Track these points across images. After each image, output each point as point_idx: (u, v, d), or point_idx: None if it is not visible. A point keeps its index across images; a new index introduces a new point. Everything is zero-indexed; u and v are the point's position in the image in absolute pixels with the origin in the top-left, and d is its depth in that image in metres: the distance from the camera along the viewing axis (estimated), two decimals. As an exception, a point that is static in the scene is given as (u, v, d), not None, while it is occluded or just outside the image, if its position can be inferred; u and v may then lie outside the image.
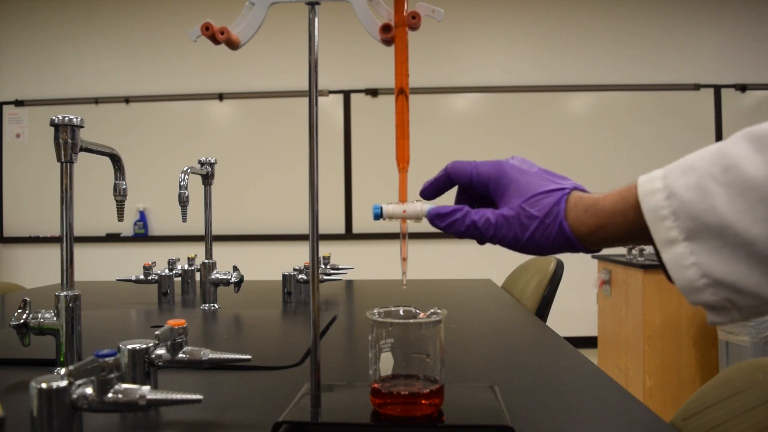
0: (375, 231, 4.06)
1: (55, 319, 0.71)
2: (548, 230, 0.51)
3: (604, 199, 0.50)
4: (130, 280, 1.39)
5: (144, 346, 0.59)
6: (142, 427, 0.56)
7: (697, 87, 4.09)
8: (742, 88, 4.09)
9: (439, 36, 4.04)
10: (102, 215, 4.06)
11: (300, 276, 1.32)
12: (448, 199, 0.59)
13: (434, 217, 0.54)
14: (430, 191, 0.58)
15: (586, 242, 0.51)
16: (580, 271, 3.15)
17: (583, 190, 0.53)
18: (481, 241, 0.54)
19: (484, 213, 0.53)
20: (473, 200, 0.58)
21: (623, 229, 0.49)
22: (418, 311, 0.56)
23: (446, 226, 0.54)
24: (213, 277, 1.23)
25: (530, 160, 0.56)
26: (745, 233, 0.42)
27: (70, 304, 0.71)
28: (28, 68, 4.30)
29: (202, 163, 1.25)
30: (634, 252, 2.69)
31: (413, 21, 0.57)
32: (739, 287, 0.43)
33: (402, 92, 0.57)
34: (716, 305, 0.45)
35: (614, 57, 4.13)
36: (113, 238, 4.17)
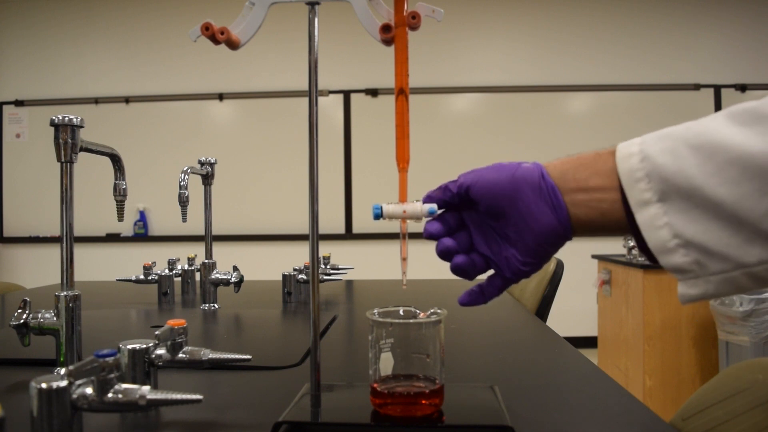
0: (375, 231, 4.06)
1: (55, 319, 0.71)
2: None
3: (581, 156, 0.51)
4: (130, 280, 1.39)
5: (144, 346, 0.59)
6: (142, 427, 0.56)
7: (697, 87, 4.09)
8: (742, 88, 4.09)
9: (439, 36, 4.04)
10: (102, 215, 4.06)
11: (300, 276, 1.32)
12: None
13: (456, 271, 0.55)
14: (440, 205, 0.55)
15: (569, 197, 0.51)
16: (580, 271, 3.14)
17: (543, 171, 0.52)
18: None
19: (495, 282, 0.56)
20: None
21: (599, 181, 0.49)
22: (418, 311, 0.56)
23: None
24: (213, 277, 1.23)
25: (528, 159, 0.54)
26: (713, 194, 0.43)
27: (70, 304, 0.71)
28: (28, 68, 4.30)
29: (202, 163, 1.25)
30: (634, 252, 2.69)
31: (413, 21, 0.57)
32: (709, 248, 0.44)
33: (402, 92, 0.57)
34: (686, 268, 0.46)
35: (614, 57, 4.13)
36: (113, 238, 4.17)
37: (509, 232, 0.52)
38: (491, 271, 0.55)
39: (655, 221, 0.46)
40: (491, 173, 0.52)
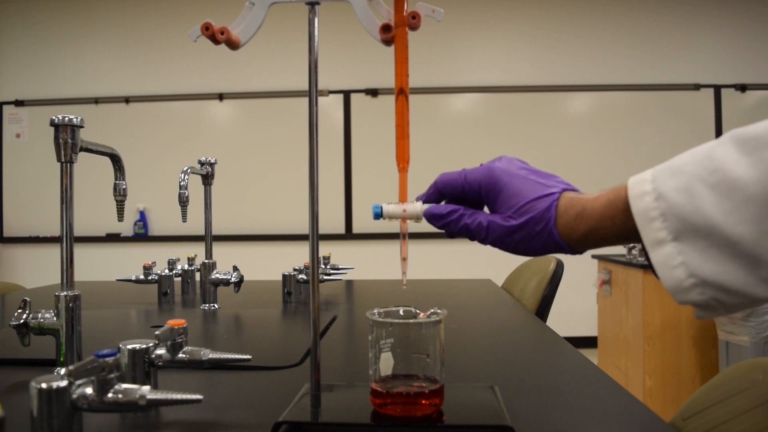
0: (375, 231, 4.06)
1: (55, 319, 0.71)
2: (538, 236, 0.52)
3: (593, 203, 0.50)
4: (130, 280, 1.39)
5: (144, 346, 0.59)
6: (142, 427, 0.56)
7: (697, 87, 4.09)
8: (742, 88, 4.09)
9: (439, 36, 4.04)
10: (102, 215, 4.06)
11: (300, 276, 1.32)
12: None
13: (430, 217, 0.56)
14: None
15: (575, 246, 0.52)
16: (580, 271, 3.14)
17: (573, 189, 0.53)
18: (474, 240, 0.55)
19: (477, 217, 0.54)
20: (465, 203, 0.58)
21: (612, 232, 0.50)
22: (418, 311, 0.56)
23: (441, 226, 0.55)
24: (213, 277, 1.23)
25: (528, 159, 0.56)
26: (731, 233, 0.43)
27: (70, 304, 0.71)
28: (28, 68, 4.30)
29: (202, 163, 1.25)
30: (634, 252, 2.69)
31: (413, 21, 0.57)
32: (726, 286, 0.44)
33: (402, 92, 0.57)
34: (703, 304, 0.46)
35: (614, 57, 4.13)
36: (113, 238, 4.17)
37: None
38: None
39: (670, 261, 0.45)
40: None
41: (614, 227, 0.49)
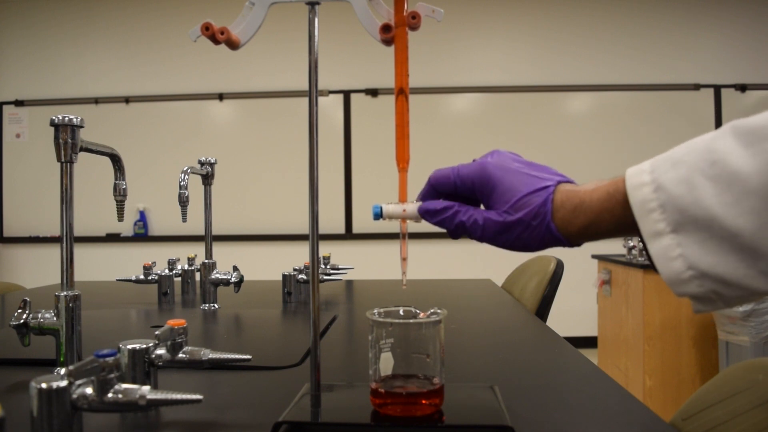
0: (375, 231, 4.06)
1: (55, 319, 0.71)
2: (536, 232, 0.51)
3: (591, 195, 0.50)
4: (130, 280, 1.39)
5: (144, 346, 0.59)
6: (142, 427, 0.56)
7: (697, 87, 4.09)
8: (742, 88, 4.09)
9: (439, 36, 4.04)
10: (102, 215, 4.06)
11: (300, 276, 1.32)
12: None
13: (424, 213, 0.55)
14: None
15: (574, 239, 0.51)
16: (580, 271, 3.15)
17: (568, 181, 0.53)
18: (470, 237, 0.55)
19: (473, 214, 0.53)
20: (462, 200, 0.57)
21: (611, 224, 0.49)
22: (418, 311, 0.56)
23: (436, 223, 0.54)
24: (213, 277, 1.23)
25: (528, 159, 0.55)
26: (732, 225, 0.42)
27: (70, 304, 0.71)
28: (28, 68, 4.30)
29: (202, 163, 1.25)
30: (634, 252, 2.69)
31: (413, 21, 0.57)
32: (725, 279, 0.44)
33: (402, 92, 0.57)
34: (702, 296, 0.46)
35: (614, 57, 4.13)
36: (113, 238, 4.17)
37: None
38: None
39: (669, 252, 0.45)
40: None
41: (613, 219, 0.49)
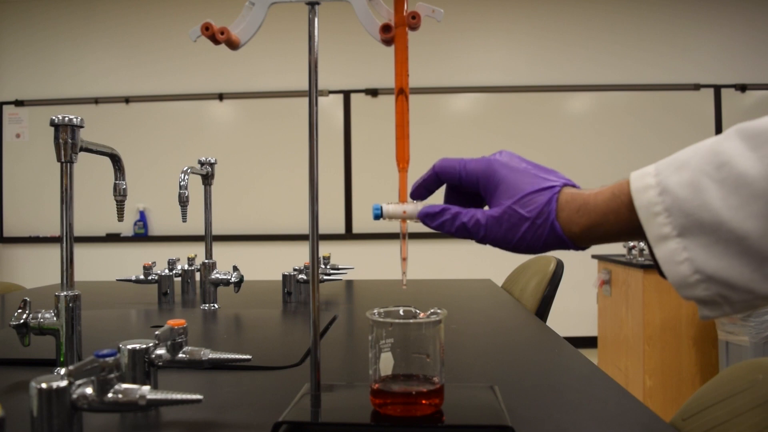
0: (375, 231, 4.06)
1: (55, 319, 0.71)
2: (539, 231, 0.50)
3: (596, 197, 0.49)
4: (130, 280, 1.39)
5: (144, 346, 0.59)
6: (142, 427, 0.56)
7: (697, 87, 4.09)
8: (742, 88, 4.09)
9: (439, 36, 4.04)
10: (102, 215, 4.06)
11: (300, 276, 1.32)
12: (440, 197, 0.58)
13: (424, 217, 0.54)
14: (420, 191, 0.57)
15: (578, 241, 0.51)
16: (580, 271, 3.15)
17: (573, 185, 0.52)
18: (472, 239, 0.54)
19: (474, 214, 0.52)
20: (463, 197, 0.57)
21: (616, 227, 0.49)
22: (418, 311, 0.56)
23: (436, 226, 0.54)
24: (213, 277, 1.23)
25: (529, 158, 0.55)
26: (738, 229, 0.42)
27: (70, 304, 0.71)
28: (28, 68, 4.30)
29: (202, 163, 1.25)
30: (634, 252, 2.69)
31: (413, 21, 0.57)
32: (732, 282, 0.44)
33: (402, 92, 0.57)
34: (709, 300, 0.45)
35: (614, 57, 4.13)
36: (113, 238, 4.17)
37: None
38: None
39: (675, 256, 0.45)
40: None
41: (618, 222, 0.48)
